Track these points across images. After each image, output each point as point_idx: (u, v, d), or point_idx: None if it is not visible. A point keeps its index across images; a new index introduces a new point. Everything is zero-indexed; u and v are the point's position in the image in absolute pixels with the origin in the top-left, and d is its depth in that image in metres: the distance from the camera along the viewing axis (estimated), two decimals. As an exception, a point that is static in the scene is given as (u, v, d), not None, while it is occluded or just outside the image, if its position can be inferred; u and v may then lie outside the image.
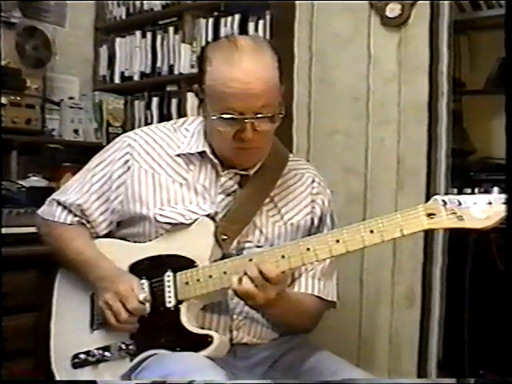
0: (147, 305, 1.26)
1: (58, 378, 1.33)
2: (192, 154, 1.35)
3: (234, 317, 1.32)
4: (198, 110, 1.36)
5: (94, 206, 1.37)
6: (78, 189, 1.40)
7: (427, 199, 1.91)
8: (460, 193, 1.11)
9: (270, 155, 1.34)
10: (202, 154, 1.34)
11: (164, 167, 1.35)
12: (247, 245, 1.33)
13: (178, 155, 1.36)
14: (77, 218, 1.39)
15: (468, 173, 2.35)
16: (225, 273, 1.23)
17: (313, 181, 1.42)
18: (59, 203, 1.41)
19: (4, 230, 1.88)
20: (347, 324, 2.04)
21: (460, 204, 1.09)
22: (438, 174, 1.98)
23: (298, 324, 1.37)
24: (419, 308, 1.97)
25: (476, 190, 1.09)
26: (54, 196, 1.44)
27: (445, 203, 1.10)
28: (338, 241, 1.17)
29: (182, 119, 1.46)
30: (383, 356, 2.02)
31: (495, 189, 1.08)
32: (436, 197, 1.12)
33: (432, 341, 1.98)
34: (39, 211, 1.47)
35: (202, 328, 1.28)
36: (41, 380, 1.54)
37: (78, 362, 1.31)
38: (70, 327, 1.35)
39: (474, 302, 2.14)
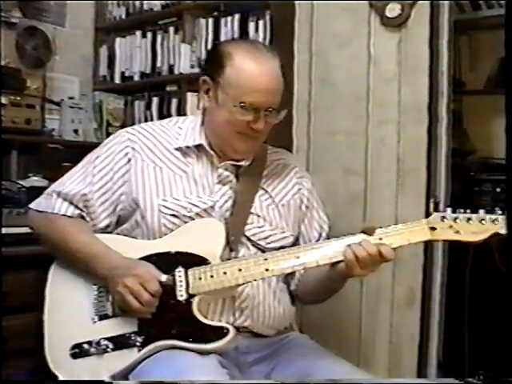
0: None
1: (52, 367, 1.32)
2: (189, 147, 1.43)
3: (237, 298, 1.34)
4: (202, 99, 1.44)
5: (95, 196, 1.41)
6: (79, 180, 1.42)
7: (427, 199, 1.94)
8: (454, 212, 1.27)
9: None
10: (198, 147, 1.43)
11: (164, 161, 1.42)
12: (249, 226, 1.40)
13: (176, 149, 1.43)
14: (78, 211, 1.41)
15: (468, 173, 2.35)
16: (240, 270, 1.28)
17: (295, 166, 1.56)
18: (59, 195, 1.42)
19: (4, 230, 1.88)
20: (347, 324, 2.04)
21: (456, 220, 1.26)
22: (437, 173, 1.97)
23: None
24: (419, 308, 1.97)
25: (468, 211, 1.27)
26: (53, 188, 1.44)
27: (443, 219, 1.26)
28: (349, 246, 1.26)
29: (174, 119, 1.55)
30: (383, 356, 2.02)
31: (481, 211, 1.25)
32: (435, 213, 1.28)
33: (432, 341, 1.97)
34: (33, 205, 1.46)
35: (206, 312, 1.31)
36: (41, 380, 1.53)
37: (78, 352, 1.31)
38: (67, 318, 1.36)
39: (474, 302, 2.14)
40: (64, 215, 1.40)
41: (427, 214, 1.94)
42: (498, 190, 2.25)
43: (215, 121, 1.40)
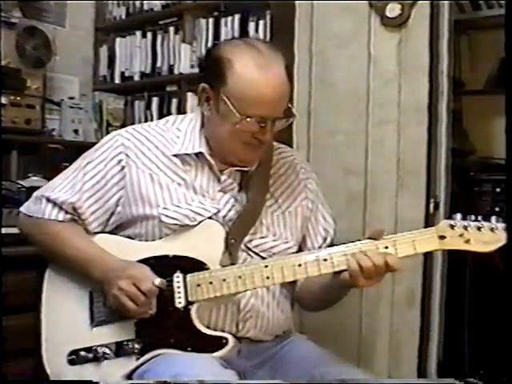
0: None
1: (50, 373, 1.31)
2: (188, 154, 1.34)
3: (241, 308, 1.31)
4: (202, 107, 1.34)
5: (85, 205, 1.34)
6: (68, 187, 1.35)
7: (427, 199, 1.94)
8: (465, 218, 1.20)
9: None
10: (197, 154, 1.34)
11: (161, 168, 1.34)
12: (252, 237, 1.34)
13: (175, 155, 1.34)
14: (69, 216, 1.35)
15: (468, 173, 2.35)
16: (240, 277, 1.24)
17: (301, 167, 1.47)
18: (49, 200, 1.36)
19: (4, 230, 1.88)
20: (347, 324, 2.04)
21: (466, 228, 1.19)
22: (438, 173, 1.98)
23: None
24: (419, 308, 1.97)
25: (480, 217, 1.19)
26: (42, 193, 1.38)
27: (453, 227, 1.19)
28: (353, 255, 1.21)
29: (171, 118, 1.43)
30: (383, 356, 2.02)
31: (493, 217, 1.19)
32: (445, 221, 1.21)
33: (432, 341, 1.98)
34: (23, 208, 1.42)
35: (209, 321, 1.28)
36: (41, 380, 1.53)
37: (75, 359, 1.29)
38: (64, 324, 1.33)
39: (474, 302, 2.14)
40: (55, 220, 1.35)
41: (427, 214, 1.96)
42: (498, 190, 2.25)
43: (217, 131, 1.30)
